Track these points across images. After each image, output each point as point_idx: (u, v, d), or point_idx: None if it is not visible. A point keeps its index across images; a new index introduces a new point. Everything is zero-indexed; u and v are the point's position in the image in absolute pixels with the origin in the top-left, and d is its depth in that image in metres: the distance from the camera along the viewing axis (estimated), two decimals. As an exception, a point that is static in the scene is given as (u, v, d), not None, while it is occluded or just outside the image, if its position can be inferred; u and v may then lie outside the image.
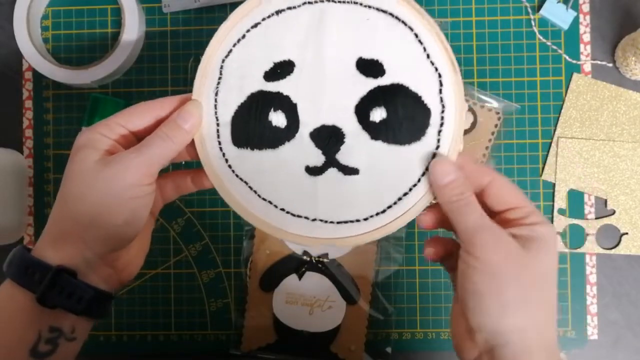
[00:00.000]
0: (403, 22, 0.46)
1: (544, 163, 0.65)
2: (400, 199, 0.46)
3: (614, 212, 0.64)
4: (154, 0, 0.67)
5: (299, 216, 0.47)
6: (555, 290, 0.43)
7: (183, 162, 0.59)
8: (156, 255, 0.66)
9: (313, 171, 0.47)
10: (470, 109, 0.63)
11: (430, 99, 0.45)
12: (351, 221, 0.47)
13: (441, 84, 0.46)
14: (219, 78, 0.47)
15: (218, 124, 0.47)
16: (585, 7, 0.65)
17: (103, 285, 0.45)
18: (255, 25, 0.47)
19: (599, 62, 0.65)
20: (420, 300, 0.65)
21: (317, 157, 0.46)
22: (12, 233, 0.66)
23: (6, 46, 0.67)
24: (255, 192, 0.47)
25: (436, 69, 0.46)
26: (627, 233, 0.64)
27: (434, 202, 0.46)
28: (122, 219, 0.44)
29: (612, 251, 0.64)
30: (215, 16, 0.67)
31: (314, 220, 0.47)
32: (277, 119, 0.47)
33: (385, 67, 0.46)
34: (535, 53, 0.65)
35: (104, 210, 0.43)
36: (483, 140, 0.63)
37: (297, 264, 0.64)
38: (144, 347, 0.66)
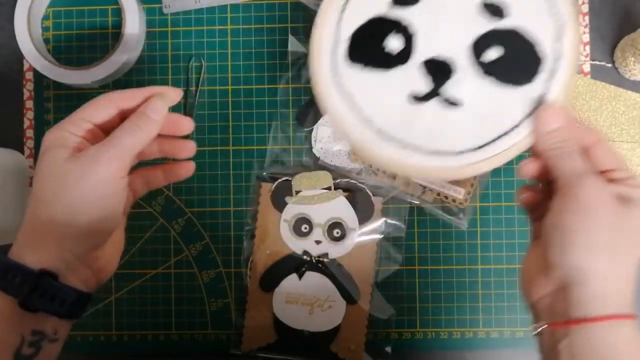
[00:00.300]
0: None
1: (544, 163, 0.65)
2: (498, 137, 0.47)
3: (613, 212, 0.64)
4: (154, 0, 0.67)
5: (393, 139, 0.48)
6: None
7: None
8: (157, 255, 0.66)
9: (417, 98, 0.48)
10: None
11: (546, 46, 0.47)
12: (445, 153, 0.47)
13: (560, 34, 0.47)
14: (347, 1, 0.49)
15: (336, 42, 0.49)
16: (585, 8, 0.65)
17: (82, 286, 0.45)
18: None
19: (598, 63, 0.65)
20: (420, 300, 0.65)
21: (424, 86, 0.48)
22: (12, 233, 0.66)
23: (7, 46, 0.67)
24: (357, 106, 0.49)
25: (558, 18, 0.47)
26: (626, 233, 0.64)
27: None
28: (97, 215, 0.44)
29: (612, 251, 0.64)
30: (216, 17, 0.67)
31: (407, 145, 0.48)
32: (394, 43, 0.49)
33: (507, 10, 0.47)
34: (535, 53, 0.65)
35: (77, 208, 0.43)
36: None
37: (297, 264, 0.64)
38: (145, 347, 0.66)
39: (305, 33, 0.66)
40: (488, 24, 0.48)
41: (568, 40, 0.47)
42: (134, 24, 0.64)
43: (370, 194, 0.64)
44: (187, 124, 0.52)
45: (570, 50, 0.47)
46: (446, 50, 0.48)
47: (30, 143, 0.67)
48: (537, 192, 0.47)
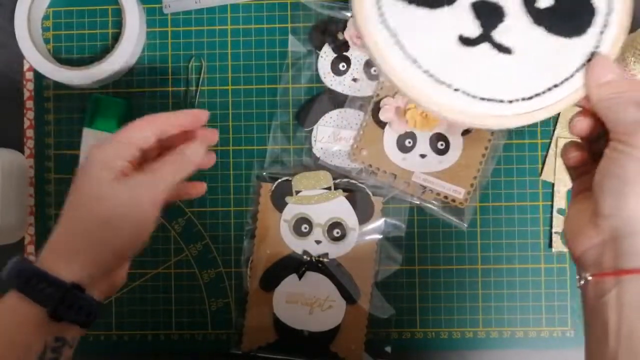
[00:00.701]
0: None
1: (543, 163, 0.65)
2: (549, 89, 0.46)
3: (613, 212, 0.64)
4: (154, 1, 0.67)
5: (441, 82, 0.46)
6: None
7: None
8: (157, 255, 0.66)
9: (466, 41, 0.46)
10: None
11: (598, 0, 0.46)
12: (494, 100, 0.46)
13: None
14: None
15: None
16: (585, 8, 0.65)
17: (99, 297, 0.47)
18: None
19: (598, 63, 0.65)
20: (420, 300, 0.65)
21: (473, 29, 0.46)
22: (12, 233, 0.66)
23: (7, 47, 0.67)
24: (401, 45, 0.46)
25: None
26: (626, 233, 0.64)
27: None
28: (131, 238, 0.47)
29: (611, 251, 0.64)
30: (216, 17, 0.67)
31: (456, 90, 0.46)
32: None
33: None
34: (535, 53, 0.65)
35: (116, 230, 0.46)
36: (483, 139, 0.64)
37: (297, 264, 0.64)
38: (145, 347, 0.66)
39: (305, 33, 0.66)
40: None
41: None
42: (134, 24, 0.64)
43: (370, 194, 0.64)
44: (215, 137, 0.54)
45: (622, 5, 0.47)
46: None
47: (30, 143, 0.67)
48: (583, 151, 0.46)
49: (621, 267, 0.40)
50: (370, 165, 0.64)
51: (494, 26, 0.46)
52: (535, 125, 0.64)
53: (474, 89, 0.46)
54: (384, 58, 0.46)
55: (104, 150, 0.47)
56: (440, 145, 0.63)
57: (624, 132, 0.42)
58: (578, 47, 0.46)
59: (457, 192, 0.63)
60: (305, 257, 0.64)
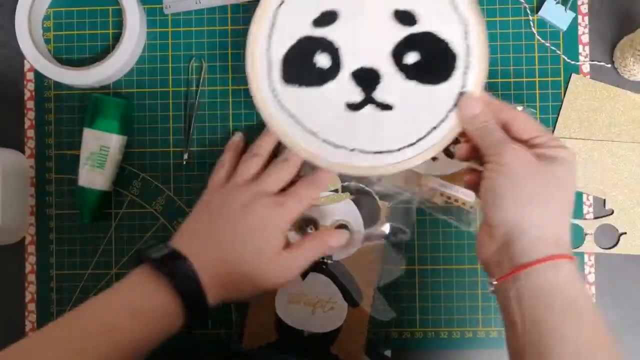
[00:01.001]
0: None
1: (543, 163, 0.65)
2: (430, 132, 0.54)
3: (612, 212, 0.65)
4: (155, 1, 0.67)
5: (339, 146, 0.55)
6: (571, 199, 0.50)
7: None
8: (157, 255, 0.66)
9: (353, 107, 0.55)
10: None
11: (457, 45, 0.54)
12: (386, 151, 0.54)
13: (467, 32, 0.54)
14: (273, 24, 0.55)
15: (270, 64, 0.55)
16: (584, 8, 0.66)
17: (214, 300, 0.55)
18: None
19: (597, 63, 0.65)
20: (420, 300, 0.65)
21: (356, 95, 0.54)
22: (13, 233, 0.66)
23: (8, 47, 0.67)
24: (300, 123, 0.55)
25: (463, 19, 0.54)
26: (625, 233, 0.64)
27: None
28: (274, 289, 0.59)
29: (611, 251, 0.65)
30: (216, 17, 0.67)
31: (352, 150, 0.55)
32: (322, 60, 0.55)
33: (417, 17, 0.54)
34: (534, 54, 0.65)
35: (269, 286, 0.55)
36: None
37: None
38: (145, 347, 0.66)
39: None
40: (403, 31, 0.54)
41: (474, 36, 0.54)
42: (134, 24, 0.64)
43: (377, 198, 0.64)
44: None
45: (478, 45, 0.54)
46: (370, 60, 0.54)
47: (31, 143, 0.67)
48: (477, 173, 0.53)
49: (515, 266, 0.47)
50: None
51: (374, 88, 0.54)
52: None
53: (366, 145, 0.54)
54: (286, 136, 0.55)
55: (289, 212, 0.56)
56: (452, 148, 0.63)
57: (493, 154, 0.49)
58: (447, 90, 0.54)
59: (468, 195, 0.63)
60: None
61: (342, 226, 0.63)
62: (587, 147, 0.64)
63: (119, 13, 0.66)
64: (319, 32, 0.55)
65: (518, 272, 0.47)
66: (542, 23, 0.66)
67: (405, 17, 0.54)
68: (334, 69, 0.54)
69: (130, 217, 0.66)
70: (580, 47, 0.65)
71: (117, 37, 0.66)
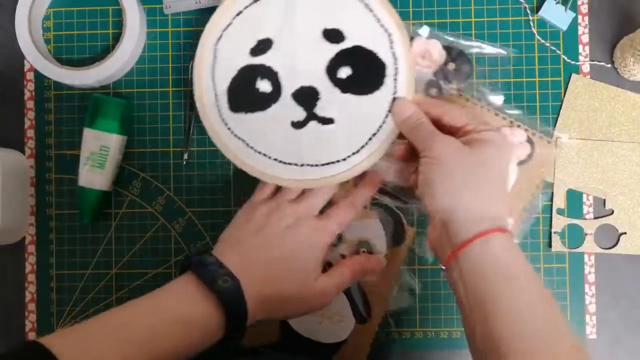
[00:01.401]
0: None
1: (543, 163, 0.65)
2: (370, 138, 0.58)
3: (612, 212, 0.64)
4: (155, 1, 0.67)
5: (289, 163, 0.58)
6: (500, 175, 0.53)
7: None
8: (157, 255, 0.66)
9: (297, 125, 0.58)
10: (529, 140, 0.63)
11: (384, 55, 0.58)
12: (333, 162, 0.58)
13: (391, 42, 0.58)
14: (214, 58, 0.59)
15: (216, 95, 0.59)
16: (584, 8, 0.66)
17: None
18: (239, 13, 0.59)
19: (597, 63, 0.65)
20: (420, 300, 0.65)
21: (299, 113, 0.58)
22: (13, 233, 0.66)
23: (8, 47, 0.67)
24: (251, 147, 0.59)
25: (386, 30, 0.58)
26: (625, 233, 0.64)
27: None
28: (309, 312, 0.58)
29: (611, 251, 0.65)
30: (216, 17, 0.67)
31: (302, 165, 0.58)
32: (264, 86, 0.58)
33: (345, 34, 0.58)
34: (534, 54, 0.65)
35: (306, 307, 0.56)
36: (538, 171, 0.63)
37: None
38: (145, 347, 0.66)
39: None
40: (333, 49, 0.58)
41: (399, 45, 0.58)
42: (134, 24, 0.64)
43: (405, 222, 0.63)
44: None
45: (403, 52, 0.58)
46: (307, 79, 0.58)
47: (31, 143, 0.67)
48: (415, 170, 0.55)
49: (452, 248, 0.50)
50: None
51: (314, 105, 0.58)
52: (535, 125, 0.64)
53: (315, 159, 0.58)
54: (242, 161, 0.58)
55: (330, 236, 0.57)
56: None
57: (424, 148, 0.53)
58: (381, 97, 0.57)
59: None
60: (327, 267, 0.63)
61: (365, 244, 0.62)
62: (587, 147, 0.64)
63: (119, 13, 0.66)
64: (258, 60, 0.58)
65: (455, 253, 0.50)
66: (542, 23, 0.66)
67: (333, 36, 0.58)
68: (276, 92, 0.58)
69: (130, 217, 0.66)
70: (580, 47, 0.65)
71: (117, 37, 0.66)
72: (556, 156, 0.64)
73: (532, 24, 0.65)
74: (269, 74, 0.58)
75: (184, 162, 0.66)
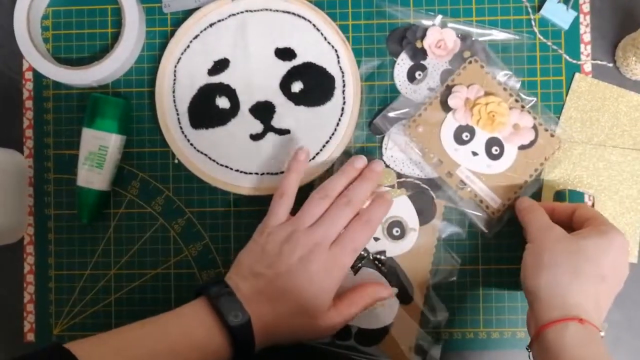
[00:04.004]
0: (303, 17, 0.64)
1: (545, 163, 0.65)
2: (324, 146, 0.63)
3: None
4: (154, 0, 0.67)
5: (250, 173, 0.64)
6: (599, 272, 0.53)
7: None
8: (156, 255, 0.66)
9: (255, 137, 0.64)
10: (535, 127, 0.62)
11: (332, 69, 0.64)
12: None
13: (338, 57, 0.64)
14: (174, 80, 0.64)
15: (178, 114, 0.64)
16: (586, 7, 0.65)
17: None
18: (196, 37, 0.64)
19: (599, 62, 0.65)
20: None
21: (257, 126, 0.64)
22: (12, 233, 0.66)
23: (6, 46, 0.67)
24: (214, 160, 0.64)
25: (332, 47, 0.64)
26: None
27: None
28: (316, 339, 0.60)
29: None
30: (216, 16, 0.66)
31: (262, 174, 0.64)
32: (223, 102, 0.64)
33: (295, 51, 0.64)
34: (536, 53, 0.65)
35: (313, 336, 0.58)
36: (536, 161, 0.63)
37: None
38: (144, 347, 0.66)
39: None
40: (286, 65, 0.63)
41: (344, 59, 0.63)
42: (133, 23, 0.64)
43: (434, 196, 0.63)
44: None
45: (349, 66, 0.63)
46: (263, 94, 0.63)
47: (29, 143, 0.67)
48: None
49: (535, 329, 0.53)
50: (420, 145, 0.63)
51: (271, 118, 0.63)
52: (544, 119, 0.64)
53: (273, 167, 0.64)
54: (206, 174, 0.64)
55: (344, 268, 0.58)
56: (495, 150, 0.63)
57: (531, 236, 0.57)
58: (332, 108, 0.63)
59: (494, 201, 0.62)
60: (362, 252, 0.62)
61: (397, 223, 0.62)
62: (580, 150, 0.64)
63: (118, 12, 0.66)
64: (216, 79, 0.64)
65: (538, 333, 0.52)
66: (543, 22, 0.65)
67: (285, 54, 0.63)
68: (234, 108, 0.63)
69: (129, 217, 0.66)
70: (582, 46, 0.65)
71: (116, 37, 0.66)
72: (555, 152, 0.63)
73: (533, 22, 0.65)
74: (227, 91, 0.63)
75: (176, 161, 0.66)
